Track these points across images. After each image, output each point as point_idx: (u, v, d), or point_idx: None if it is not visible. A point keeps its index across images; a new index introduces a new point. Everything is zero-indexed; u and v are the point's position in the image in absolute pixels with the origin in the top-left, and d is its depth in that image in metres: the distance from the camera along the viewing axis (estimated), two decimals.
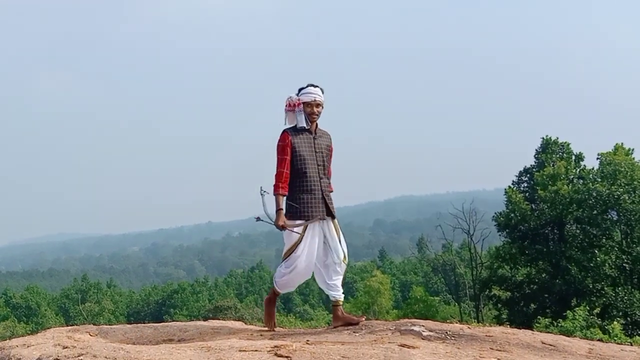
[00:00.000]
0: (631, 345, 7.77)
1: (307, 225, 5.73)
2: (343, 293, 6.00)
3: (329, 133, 6.07)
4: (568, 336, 6.39)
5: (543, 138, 36.62)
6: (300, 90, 5.92)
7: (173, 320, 8.94)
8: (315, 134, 5.92)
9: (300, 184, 5.79)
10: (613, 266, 31.47)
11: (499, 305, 36.56)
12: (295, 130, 5.85)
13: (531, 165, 36.65)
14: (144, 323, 7.17)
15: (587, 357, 5.00)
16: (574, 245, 32.81)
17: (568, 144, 36.31)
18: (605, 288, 30.98)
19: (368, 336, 5.22)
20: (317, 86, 5.92)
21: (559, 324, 24.91)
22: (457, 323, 6.55)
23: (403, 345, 4.54)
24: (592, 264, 31.47)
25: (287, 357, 4.19)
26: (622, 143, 35.04)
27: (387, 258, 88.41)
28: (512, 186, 36.50)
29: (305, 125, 5.83)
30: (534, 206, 34.76)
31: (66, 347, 4.89)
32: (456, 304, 49.82)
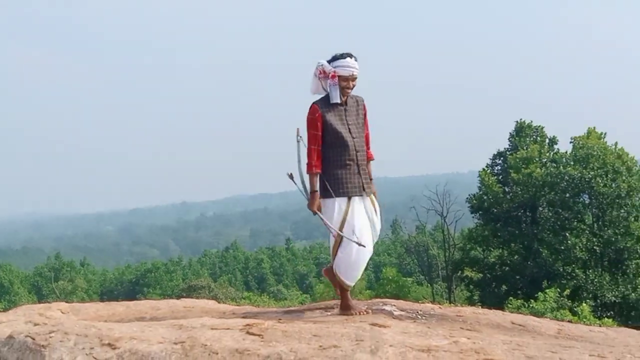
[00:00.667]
0: (600, 326, 7.89)
1: (347, 210, 5.26)
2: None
3: (359, 97, 5.53)
4: (538, 317, 6.47)
5: (517, 121, 36.79)
6: (334, 58, 5.33)
7: (146, 299, 8.84)
8: (347, 104, 5.41)
9: (335, 159, 5.31)
10: (584, 249, 31.74)
11: (471, 287, 36.90)
12: (326, 102, 5.34)
13: (505, 148, 36.75)
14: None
15: (555, 337, 5.07)
16: (546, 227, 33.03)
17: (542, 128, 36.55)
18: (576, 270, 31.31)
19: (340, 315, 5.25)
20: (352, 56, 5.32)
21: (530, 305, 25.25)
22: (429, 303, 6.61)
23: (374, 325, 4.57)
24: (563, 247, 31.75)
25: (258, 335, 4.20)
26: (594, 127, 35.34)
27: None
28: (485, 169, 36.60)
29: (338, 100, 5.31)
30: (507, 189, 34.97)
31: (37, 324, 4.87)
32: (429, 285, 50.23)
